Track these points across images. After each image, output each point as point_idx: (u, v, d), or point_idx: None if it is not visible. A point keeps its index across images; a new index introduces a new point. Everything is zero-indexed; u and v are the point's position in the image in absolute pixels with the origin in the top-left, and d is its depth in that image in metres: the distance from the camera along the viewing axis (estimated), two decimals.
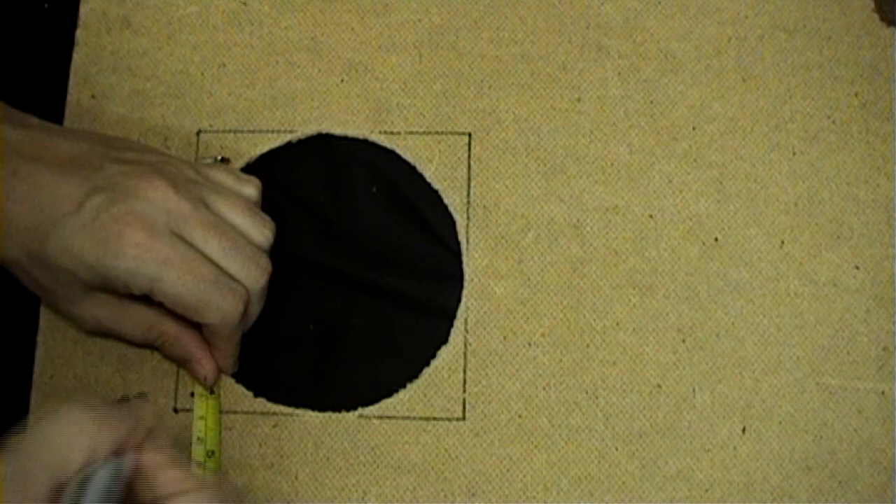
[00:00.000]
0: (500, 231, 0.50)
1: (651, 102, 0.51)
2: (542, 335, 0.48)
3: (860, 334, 0.48)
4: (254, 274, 0.44)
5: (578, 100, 0.51)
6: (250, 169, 0.51)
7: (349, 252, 0.50)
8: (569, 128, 0.51)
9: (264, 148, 0.52)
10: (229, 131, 0.52)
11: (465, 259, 0.50)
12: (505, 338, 0.49)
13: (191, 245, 0.43)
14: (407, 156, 0.51)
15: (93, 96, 0.52)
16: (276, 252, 0.49)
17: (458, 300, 0.49)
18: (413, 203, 0.51)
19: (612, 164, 0.51)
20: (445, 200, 0.50)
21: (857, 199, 0.49)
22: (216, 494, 0.35)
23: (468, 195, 0.50)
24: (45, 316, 0.49)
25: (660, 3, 0.53)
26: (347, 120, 0.52)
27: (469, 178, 0.51)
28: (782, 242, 0.49)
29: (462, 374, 0.48)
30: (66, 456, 0.33)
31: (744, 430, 0.47)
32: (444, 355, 0.49)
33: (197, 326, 0.46)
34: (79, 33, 0.53)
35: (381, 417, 0.48)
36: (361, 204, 0.51)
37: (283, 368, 0.49)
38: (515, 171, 0.51)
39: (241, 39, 0.53)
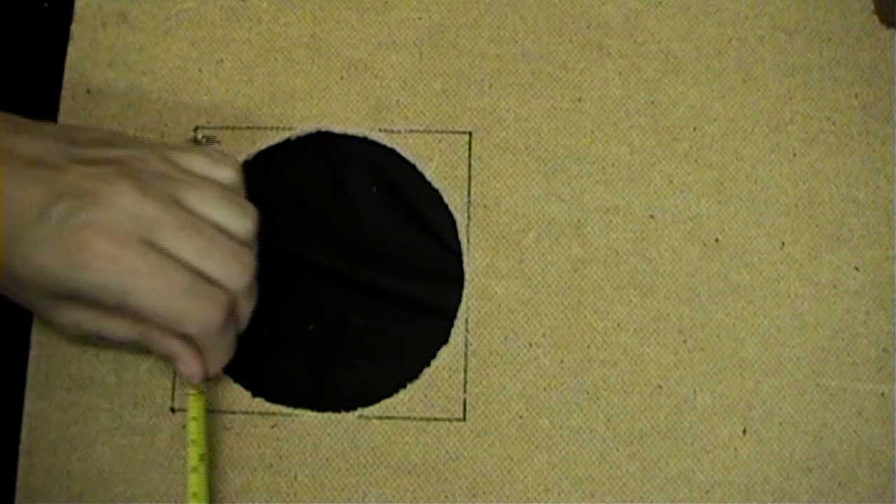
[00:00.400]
0: (500, 231, 0.50)
1: (652, 103, 0.51)
2: (543, 335, 0.48)
3: (860, 336, 0.48)
4: (236, 272, 0.42)
5: (579, 99, 0.51)
6: (248, 167, 0.51)
7: (349, 251, 0.50)
8: (570, 127, 0.51)
9: (263, 145, 0.51)
10: (227, 128, 0.51)
11: (465, 259, 0.49)
12: (506, 338, 0.48)
13: (163, 251, 0.40)
14: (407, 154, 0.51)
15: (88, 91, 0.52)
16: (275, 252, 0.49)
17: (459, 300, 0.49)
18: (413, 202, 0.50)
19: (612, 165, 0.50)
20: (446, 200, 0.50)
21: (857, 201, 0.50)
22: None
23: (469, 194, 0.50)
24: None
25: (661, 3, 0.52)
26: (347, 118, 0.51)
27: (470, 178, 0.50)
28: (783, 244, 0.49)
29: (462, 375, 0.48)
30: None
31: (744, 431, 0.47)
32: (445, 355, 0.48)
33: None
34: (74, 28, 0.52)
35: (380, 418, 0.47)
36: (361, 203, 0.51)
37: (282, 368, 0.49)
38: (516, 170, 0.50)
39: (239, 35, 0.52)
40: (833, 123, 0.51)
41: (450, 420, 0.47)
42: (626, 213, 0.50)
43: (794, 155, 0.50)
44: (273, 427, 0.47)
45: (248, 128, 0.51)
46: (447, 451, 0.47)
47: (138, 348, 0.48)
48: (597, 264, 0.49)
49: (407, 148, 0.51)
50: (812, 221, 0.49)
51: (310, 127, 0.51)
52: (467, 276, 0.49)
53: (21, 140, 0.41)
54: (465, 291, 0.49)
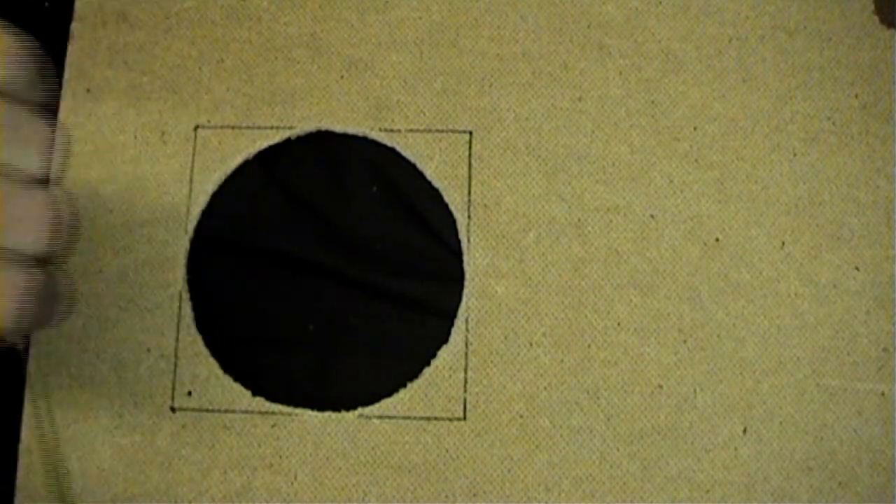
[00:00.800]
0: (501, 230, 0.50)
1: (652, 102, 0.51)
2: (544, 335, 0.48)
3: (860, 335, 0.48)
4: (20, 231, 0.31)
5: (580, 99, 0.51)
6: (248, 166, 0.51)
7: (348, 251, 0.50)
8: (570, 127, 0.51)
9: (263, 144, 0.51)
10: (227, 127, 0.51)
11: (465, 258, 0.49)
12: (506, 337, 0.48)
13: None
14: (407, 154, 0.51)
15: (88, 90, 0.51)
16: (275, 251, 0.49)
17: (459, 299, 0.49)
18: (413, 201, 0.50)
19: (613, 164, 0.50)
20: (446, 199, 0.50)
21: (857, 201, 0.50)
22: None
23: (469, 194, 0.50)
24: None
25: (661, 3, 0.52)
26: (347, 117, 0.51)
27: (470, 177, 0.50)
28: (783, 243, 0.49)
29: (463, 374, 0.48)
30: None
31: (745, 430, 0.47)
32: (445, 355, 0.48)
33: None
34: (74, 26, 0.52)
35: (381, 417, 0.47)
36: (361, 202, 0.51)
37: (282, 367, 0.49)
38: (516, 169, 0.50)
39: (239, 35, 0.52)
40: (833, 123, 0.51)
41: (450, 419, 0.47)
42: (627, 212, 0.50)
43: (795, 155, 0.50)
44: (273, 426, 0.47)
45: (248, 127, 0.51)
46: (447, 451, 0.47)
47: (139, 347, 0.48)
48: (597, 264, 0.49)
49: (407, 147, 0.51)
50: (812, 221, 0.49)
51: (310, 126, 0.51)
52: (467, 276, 0.49)
53: None
54: (466, 291, 0.49)
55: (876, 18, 0.52)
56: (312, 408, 0.48)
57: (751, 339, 0.48)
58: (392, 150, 0.51)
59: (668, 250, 0.49)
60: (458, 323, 0.49)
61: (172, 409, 0.48)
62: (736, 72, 0.52)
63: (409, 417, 0.48)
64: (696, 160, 0.50)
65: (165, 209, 0.50)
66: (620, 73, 0.52)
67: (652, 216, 0.50)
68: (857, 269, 0.49)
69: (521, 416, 0.47)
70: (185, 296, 0.49)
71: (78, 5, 0.53)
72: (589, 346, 0.48)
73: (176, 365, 0.48)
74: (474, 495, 0.47)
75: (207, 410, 0.47)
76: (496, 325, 0.49)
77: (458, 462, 0.47)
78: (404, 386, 0.48)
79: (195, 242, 0.50)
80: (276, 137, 0.51)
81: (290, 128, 0.51)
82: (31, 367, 0.48)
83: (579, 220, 0.50)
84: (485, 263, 0.49)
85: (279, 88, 0.52)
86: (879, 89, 0.51)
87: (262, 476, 0.47)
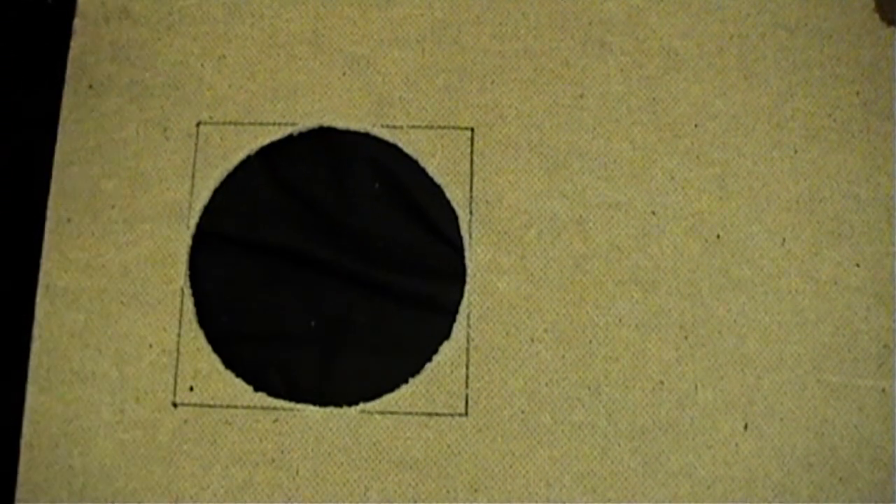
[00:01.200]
0: (502, 226, 0.50)
1: (653, 99, 0.51)
2: (545, 331, 0.48)
3: (861, 332, 0.48)
4: None
5: (581, 96, 0.51)
6: (250, 162, 0.51)
7: (350, 247, 0.50)
8: (571, 124, 0.51)
9: (265, 140, 0.51)
10: (229, 123, 0.51)
11: (467, 254, 0.49)
12: (507, 333, 0.48)
13: None
14: (409, 150, 0.51)
15: (90, 86, 0.52)
16: (277, 247, 0.49)
17: (461, 296, 0.49)
18: (415, 198, 0.50)
19: (614, 161, 0.50)
20: (448, 195, 0.50)
21: (857, 198, 0.50)
22: None
23: (471, 190, 0.50)
24: (41, 309, 0.49)
25: (662, 0, 0.53)
26: (349, 113, 0.51)
27: (472, 174, 0.50)
28: (784, 240, 0.49)
29: (464, 370, 0.48)
30: None
31: (745, 426, 0.47)
32: (447, 351, 0.48)
33: None
34: (77, 23, 0.52)
35: (382, 413, 0.47)
36: (363, 198, 0.51)
37: (284, 363, 0.49)
38: (518, 166, 0.50)
39: (241, 31, 0.52)
40: (834, 120, 0.51)
41: (452, 415, 0.47)
42: (628, 209, 0.50)
43: (796, 152, 0.50)
44: (275, 422, 0.47)
45: (250, 123, 0.51)
46: (449, 446, 0.47)
47: (141, 342, 0.48)
48: (598, 260, 0.49)
49: (409, 144, 0.51)
50: (813, 218, 0.50)
51: (312, 122, 0.51)
52: (469, 272, 0.49)
53: None
54: (467, 287, 0.49)
55: (876, 16, 0.52)
56: (314, 403, 0.48)
57: (751, 335, 0.48)
58: (394, 146, 0.51)
59: (669, 247, 0.49)
60: (460, 319, 0.49)
61: (174, 405, 0.48)
62: (737, 69, 0.52)
63: (410, 413, 0.48)
64: (698, 157, 0.51)
65: (167, 205, 0.50)
66: (622, 70, 0.52)
67: (653, 213, 0.50)
68: (857, 265, 0.49)
69: (523, 412, 0.47)
70: (187, 291, 0.49)
71: (80, 2, 0.53)
72: (590, 342, 0.48)
73: (178, 360, 0.48)
74: (476, 491, 0.47)
75: (209, 406, 0.47)
76: (498, 322, 0.49)
77: (460, 458, 0.47)
78: (406, 382, 0.48)
79: (197, 238, 0.50)
80: (277, 134, 0.51)
81: (292, 124, 0.51)
82: (33, 362, 0.48)
83: (581, 216, 0.50)
84: (486, 260, 0.49)
85: (281, 85, 0.52)
86: (880, 86, 0.51)
87: (264, 471, 0.47)
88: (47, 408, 0.47)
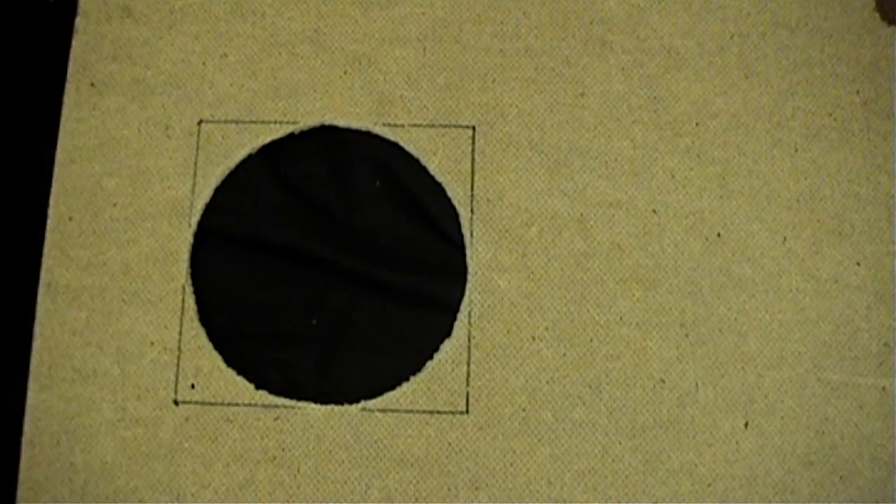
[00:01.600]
0: (503, 225, 0.50)
1: (654, 98, 0.51)
2: (546, 329, 0.48)
3: (861, 330, 0.48)
4: None
5: (582, 95, 0.51)
6: (252, 160, 0.51)
7: (352, 245, 0.50)
8: (572, 122, 0.51)
9: (266, 139, 0.51)
10: (231, 121, 0.51)
11: (468, 252, 0.49)
12: (509, 331, 0.48)
13: None
14: (411, 149, 0.51)
15: (92, 84, 0.52)
16: (278, 245, 0.49)
17: (462, 294, 0.49)
18: (417, 196, 0.51)
19: (615, 159, 0.51)
20: (449, 194, 0.50)
21: (858, 196, 0.50)
22: None
23: (472, 188, 0.50)
24: (42, 306, 0.49)
25: None
26: (350, 112, 0.51)
27: (473, 172, 0.50)
28: (784, 238, 0.49)
29: (465, 368, 0.48)
30: None
31: (746, 425, 0.47)
32: (448, 349, 0.48)
33: None
34: (79, 21, 0.53)
35: (384, 411, 0.48)
36: (364, 197, 0.51)
37: (285, 361, 0.49)
38: (519, 164, 0.50)
39: (243, 30, 0.52)
40: (834, 119, 0.51)
41: (453, 413, 0.48)
42: (629, 207, 0.50)
43: (796, 150, 0.51)
44: (276, 420, 0.47)
45: (251, 122, 0.51)
46: (450, 444, 0.47)
47: (142, 340, 0.48)
48: (599, 258, 0.49)
49: (410, 142, 0.51)
50: (813, 216, 0.50)
51: (313, 121, 0.51)
52: (470, 270, 0.49)
53: None
54: (469, 285, 0.49)
55: (877, 15, 0.52)
56: (315, 401, 0.48)
57: (752, 333, 0.48)
58: (395, 144, 0.51)
59: (669, 245, 0.50)
60: (461, 317, 0.49)
61: (175, 402, 0.48)
62: (738, 68, 0.52)
63: (411, 411, 0.48)
64: (698, 156, 0.51)
65: (169, 203, 0.50)
66: (622, 69, 0.52)
67: (654, 211, 0.50)
68: (858, 264, 0.49)
69: (524, 410, 0.48)
70: (189, 289, 0.49)
71: (82, 0, 0.53)
72: (591, 340, 0.48)
73: (179, 358, 0.48)
74: (477, 488, 0.47)
75: (210, 403, 0.47)
76: (499, 320, 0.49)
77: (461, 455, 0.47)
78: (407, 379, 0.48)
79: (198, 236, 0.50)
80: (279, 132, 0.51)
81: (294, 123, 0.51)
82: (35, 360, 0.48)
83: (582, 214, 0.50)
84: (487, 258, 0.49)
85: (283, 83, 0.52)
86: (880, 86, 0.51)
87: (265, 469, 0.47)
88: (48, 405, 0.48)
